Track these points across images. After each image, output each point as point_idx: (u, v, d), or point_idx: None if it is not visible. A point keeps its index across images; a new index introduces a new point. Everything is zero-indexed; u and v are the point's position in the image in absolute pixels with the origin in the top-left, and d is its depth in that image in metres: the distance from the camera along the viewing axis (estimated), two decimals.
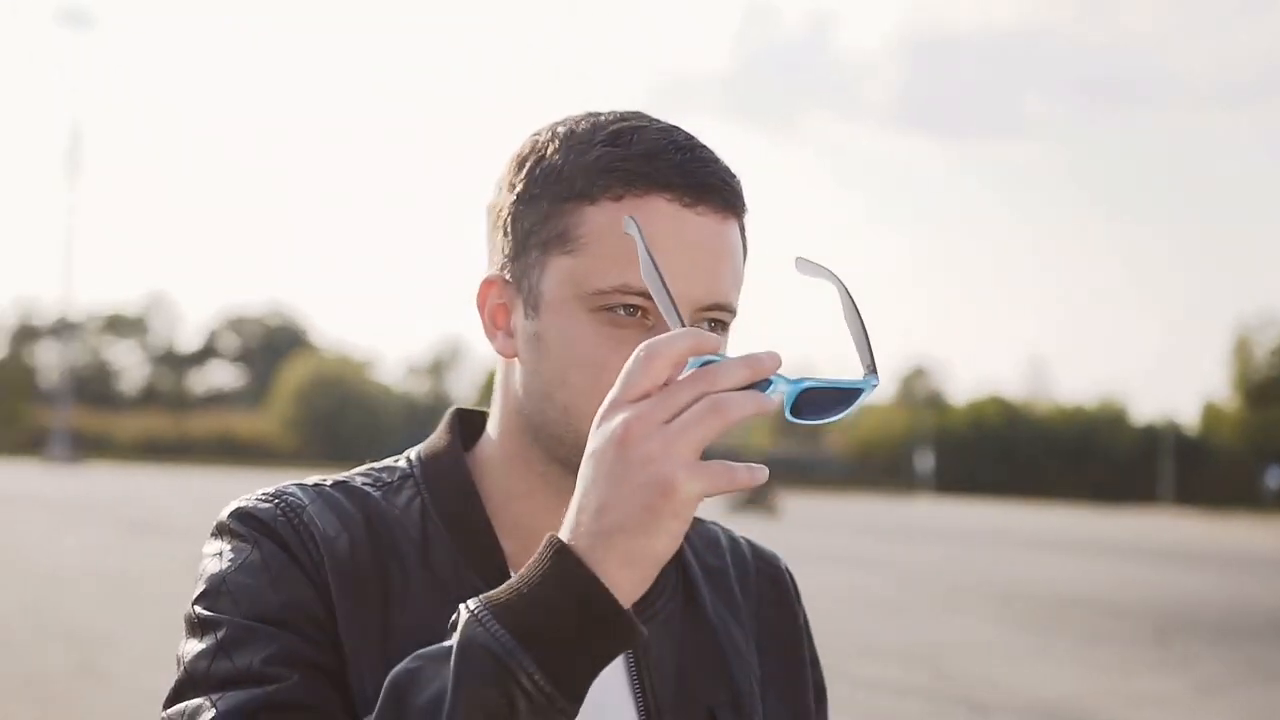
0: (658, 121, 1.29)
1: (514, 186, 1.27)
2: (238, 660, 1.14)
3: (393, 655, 1.13)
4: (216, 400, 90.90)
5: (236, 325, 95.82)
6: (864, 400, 1.13)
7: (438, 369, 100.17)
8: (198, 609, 1.19)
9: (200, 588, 1.20)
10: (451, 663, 1.02)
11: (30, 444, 66.14)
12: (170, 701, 1.15)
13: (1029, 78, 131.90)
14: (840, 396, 1.12)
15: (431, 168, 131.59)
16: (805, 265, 1.17)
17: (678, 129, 1.29)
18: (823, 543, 24.70)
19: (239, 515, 1.23)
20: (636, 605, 1.30)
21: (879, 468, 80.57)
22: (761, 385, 1.07)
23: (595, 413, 1.12)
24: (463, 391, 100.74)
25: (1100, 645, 12.35)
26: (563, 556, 1.02)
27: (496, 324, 1.29)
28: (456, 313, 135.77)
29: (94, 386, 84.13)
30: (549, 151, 1.26)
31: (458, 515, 1.28)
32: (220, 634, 1.16)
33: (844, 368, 1.11)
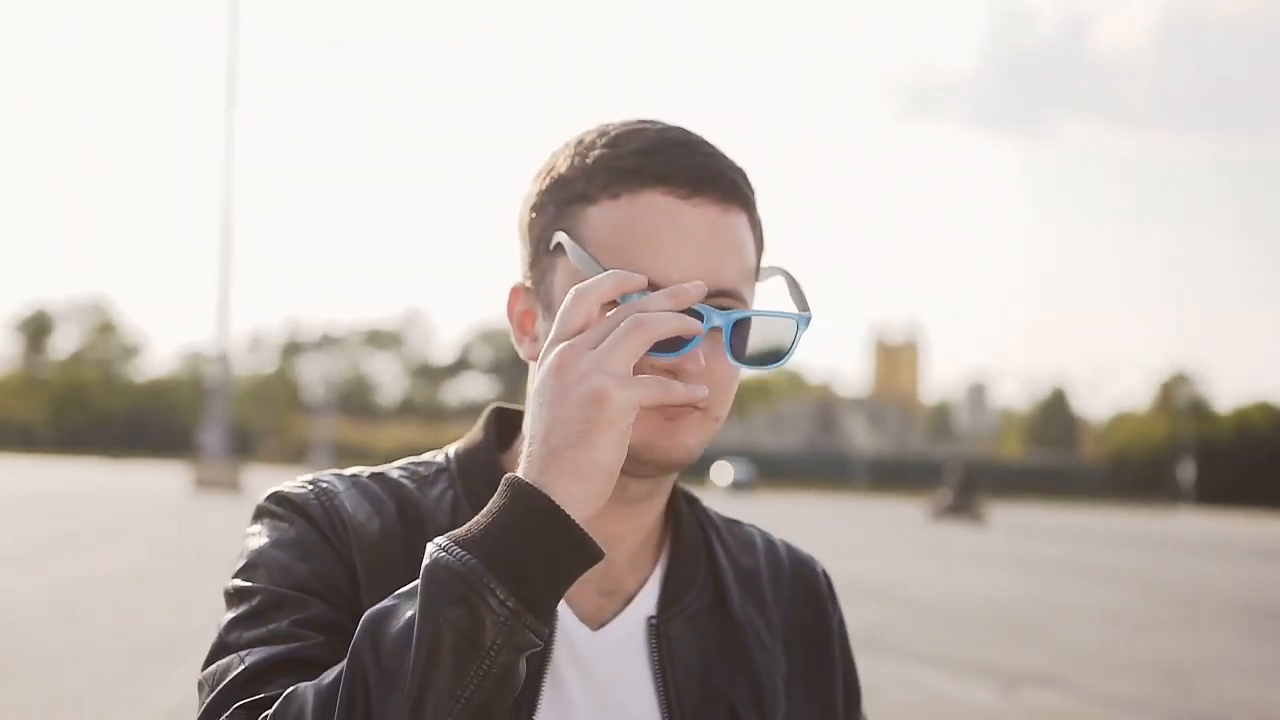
0: (661, 123, 1.32)
1: (531, 198, 1.33)
2: (268, 624, 1.20)
3: None
4: (470, 411, 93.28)
5: (489, 338, 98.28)
6: (801, 336, 1.26)
7: None
8: (235, 581, 1.25)
9: (239, 563, 1.26)
10: (419, 588, 1.07)
11: (295, 454, 69.05)
12: (206, 665, 1.20)
13: None
14: (776, 334, 1.24)
15: None
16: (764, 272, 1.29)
17: (678, 128, 1.32)
18: (1031, 551, 24.03)
19: (276, 498, 1.30)
20: (665, 602, 1.38)
21: (1136, 479, 77.90)
22: (698, 319, 1.19)
23: None
24: None
25: None
26: (516, 485, 1.08)
27: (524, 330, 1.34)
28: None
29: (354, 399, 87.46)
30: (559, 162, 1.31)
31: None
32: (254, 602, 1.22)
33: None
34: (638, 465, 1.26)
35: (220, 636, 1.21)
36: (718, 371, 1.26)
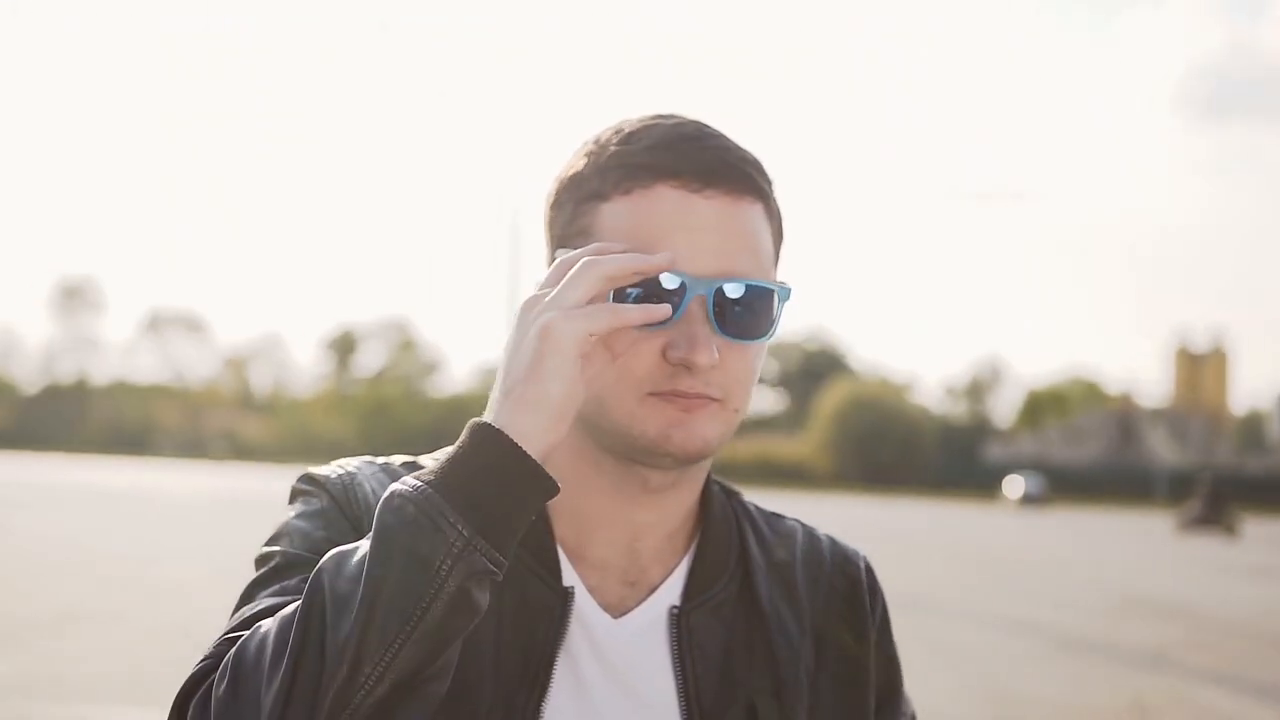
0: (676, 118, 1.34)
1: (550, 196, 1.36)
2: (282, 580, 1.25)
3: None
4: (757, 425, 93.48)
5: (777, 351, 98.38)
6: (783, 309, 1.29)
7: (976, 390, 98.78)
8: (262, 549, 1.31)
9: (269, 535, 1.33)
10: (375, 513, 1.12)
11: None
12: (229, 619, 1.25)
13: None
14: (756, 304, 1.26)
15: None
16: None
17: (692, 122, 1.34)
18: None
19: (304, 478, 1.37)
20: (689, 592, 1.38)
21: None
22: (679, 294, 1.23)
23: (625, 401, 1.27)
24: (1002, 413, 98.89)
25: None
26: (473, 423, 1.14)
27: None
28: (996, 332, 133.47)
29: None
30: (576, 160, 1.34)
31: None
32: (273, 563, 1.28)
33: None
34: (655, 457, 1.29)
35: (242, 594, 1.27)
36: (729, 359, 1.28)
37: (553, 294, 1.19)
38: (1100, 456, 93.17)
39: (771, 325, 1.30)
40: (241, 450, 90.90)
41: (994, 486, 71.10)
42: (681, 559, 1.40)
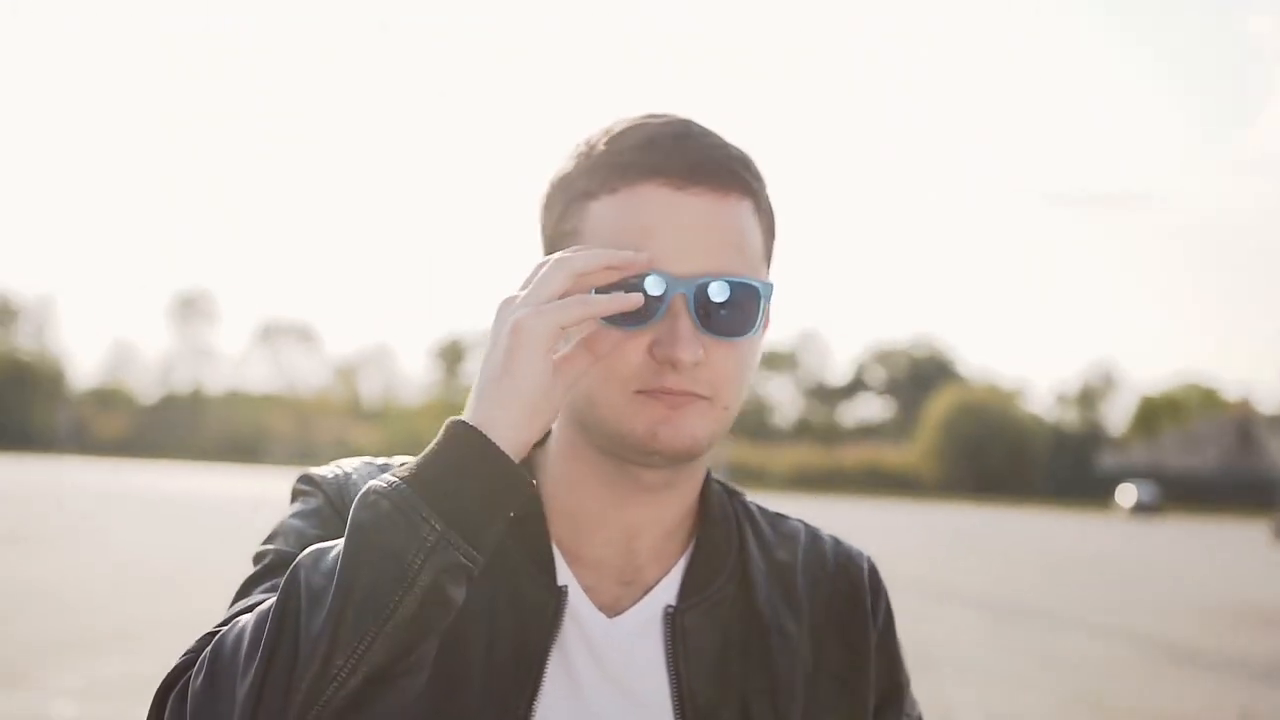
0: (664, 116, 1.33)
1: (542, 198, 1.36)
2: (274, 578, 1.27)
3: None
4: (865, 432, 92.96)
5: (884, 358, 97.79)
6: (766, 306, 1.29)
7: (1088, 397, 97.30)
8: (259, 547, 1.33)
9: (266, 534, 1.34)
10: (351, 509, 1.13)
11: None
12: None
13: None
14: (741, 302, 1.26)
15: None
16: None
17: (680, 120, 1.33)
18: None
19: (303, 478, 1.38)
20: (685, 592, 1.38)
21: None
22: (662, 291, 1.23)
23: (613, 400, 1.27)
24: (1115, 421, 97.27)
25: None
26: (448, 422, 1.15)
27: None
28: (1108, 337, 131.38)
29: (750, 420, 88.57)
30: (567, 161, 1.34)
31: None
32: (266, 561, 1.30)
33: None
34: (644, 455, 1.29)
35: (236, 593, 1.28)
36: (716, 356, 1.27)
37: (525, 294, 1.20)
38: (1217, 464, 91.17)
39: (756, 323, 1.29)
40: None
41: (1106, 496, 70.01)
42: (679, 559, 1.40)
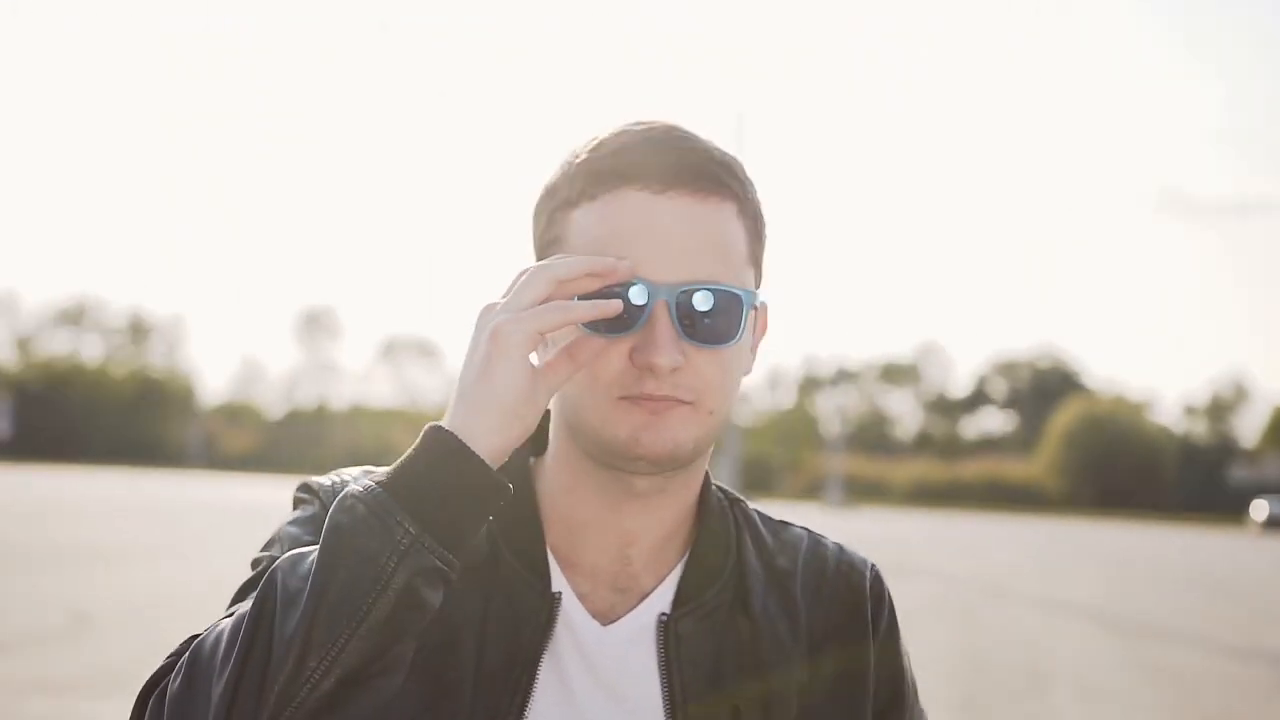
0: (649, 123, 1.34)
1: (533, 209, 1.37)
2: None
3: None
4: (987, 445, 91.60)
5: (1006, 370, 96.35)
6: (748, 315, 1.30)
7: (1218, 409, 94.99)
8: (256, 553, 1.35)
9: (264, 540, 1.37)
10: (328, 515, 1.15)
11: (811, 489, 70.12)
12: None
13: None
14: (722, 308, 1.27)
15: None
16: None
17: (663, 126, 1.33)
18: None
19: (302, 486, 1.41)
20: (679, 600, 1.38)
21: None
22: (642, 298, 1.24)
23: (597, 406, 1.29)
24: (1247, 432, 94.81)
25: None
26: (427, 427, 1.16)
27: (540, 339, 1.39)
28: (1239, 347, 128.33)
29: (870, 434, 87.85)
30: (554, 172, 1.35)
31: (508, 506, 1.34)
32: (261, 566, 1.31)
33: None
34: (628, 460, 1.29)
35: (231, 599, 1.29)
36: (699, 362, 1.28)
37: (505, 302, 1.21)
38: None
39: (739, 330, 1.29)
40: None
41: (1239, 510, 68.25)
42: (675, 566, 1.40)
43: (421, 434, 1.18)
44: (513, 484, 1.35)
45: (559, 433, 1.38)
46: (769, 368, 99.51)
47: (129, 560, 16.84)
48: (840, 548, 1.50)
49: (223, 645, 1.16)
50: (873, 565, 1.50)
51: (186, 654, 1.20)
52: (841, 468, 64.99)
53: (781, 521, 1.51)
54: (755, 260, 1.35)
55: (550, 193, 1.34)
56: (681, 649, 1.36)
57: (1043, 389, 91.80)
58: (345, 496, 1.16)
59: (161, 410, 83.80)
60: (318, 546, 1.16)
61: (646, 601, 1.38)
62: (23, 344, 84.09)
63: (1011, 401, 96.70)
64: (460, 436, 1.17)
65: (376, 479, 1.17)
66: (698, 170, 1.29)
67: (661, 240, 1.27)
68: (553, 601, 1.34)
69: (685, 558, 1.40)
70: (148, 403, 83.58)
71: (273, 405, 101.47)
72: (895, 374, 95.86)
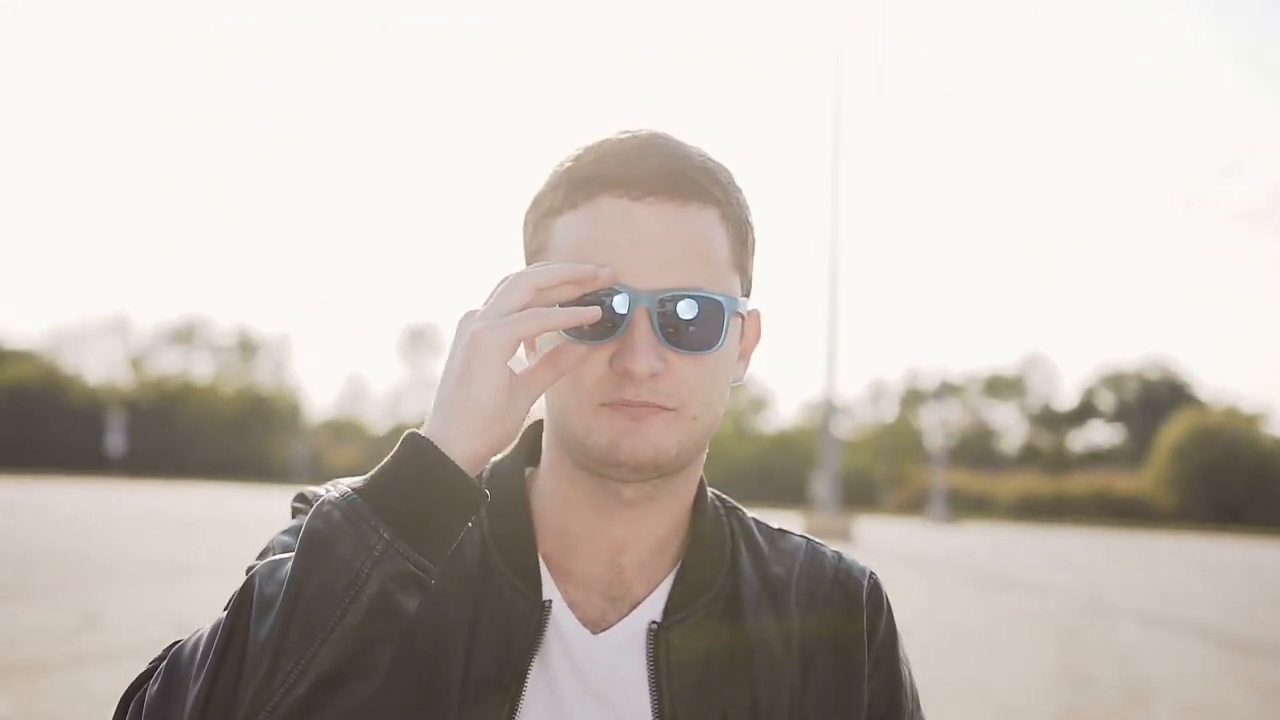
0: (633, 131, 1.34)
1: (522, 219, 1.38)
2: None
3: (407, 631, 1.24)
4: (1094, 459, 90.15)
5: (1113, 381, 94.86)
6: (730, 321, 1.30)
7: None
8: (250, 562, 1.34)
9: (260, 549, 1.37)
10: (305, 521, 1.16)
11: (914, 504, 69.44)
12: None
13: None
14: (702, 314, 1.27)
15: None
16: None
17: (647, 133, 1.34)
18: None
19: (298, 496, 1.42)
20: (670, 608, 1.38)
21: None
22: (623, 305, 1.26)
23: (580, 413, 1.30)
24: None
25: None
26: (406, 433, 1.17)
27: (530, 346, 1.38)
28: None
29: (974, 447, 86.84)
30: (542, 181, 1.36)
31: (502, 515, 1.37)
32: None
33: None
34: (610, 467, 1.30)
35: (224, 607, 1.29)
36: (680, 368, 1.28)
37: (484, 309, 1.22)
38: None
39: (721, 337, 1.29)
40: None
41: None
42: (667, 575, 1.39)
43: (400, 440, 1.18)
44: (508, 493, 1.39)
45: (551, 443, 1.38)
46: (871, 381, 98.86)
47: (233, 574, 17.08)
48: (839, 556, 1.49)
49: (199, 651, 1.17)
50: (872, 574, 1.49)
51: (166, 659, 1.20)
52: (945, 482, 64.28)
53: (780, 530, 1.50)
54: (740, 267, 1.35)
55: (536, 202, 1.35)
56: (671, 657, 1.35)
57: (1152, 401, 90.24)
58: (322, 503, 1.16)
59: (268, 427, 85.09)
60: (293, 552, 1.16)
61: (638, 610, 1.38)
62: (135, 363, 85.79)
63: (1119, 414, 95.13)
64: (436, 443, 1.16)
65: (353, 485, 1.17)
66: (677, 176, 1.29)
67: (641, 246, 1.27)
68: (542, 609, 1.34)
69: (678, 566, 1.40)
70: (255, 419, 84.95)
71: (378, 421, 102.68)
72: (999, 386, 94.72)
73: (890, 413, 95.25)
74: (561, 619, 1.36)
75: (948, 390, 78.20)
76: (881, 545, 33.19)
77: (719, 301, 1.28)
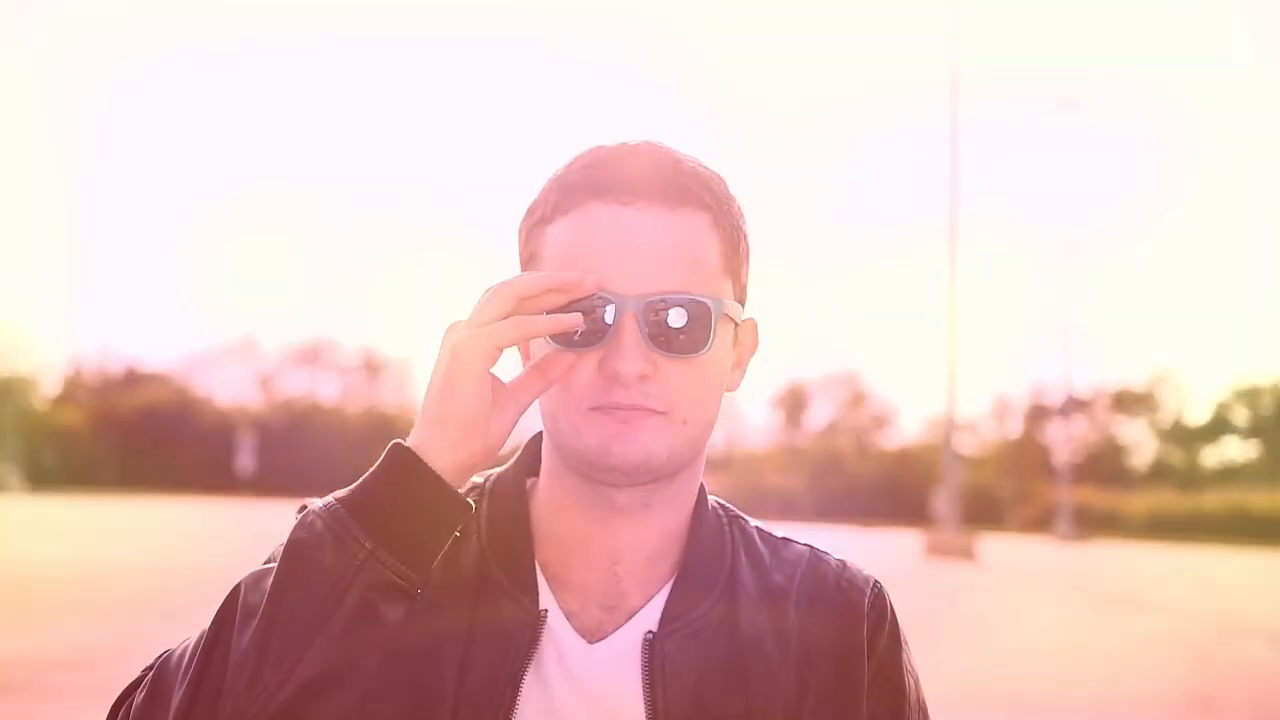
0: (626, 140, 1.35)
1: (518, 228, 1.38)
2: None
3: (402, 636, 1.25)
4: (1228, 475, 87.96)
5: (1246, 397, 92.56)
6: (717, 325, 1.30)
7: None
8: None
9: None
10: (290, 532, 1.17)
11: (1039, 521, 68.27)
12: None
13: None
14: (690, 318, 1.28)
15: None
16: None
17: (640, 141, 1.34)
18: None
19: (301, 508, 1.39)
20: (666, 617, 1.38)
21: None
22: (610, 310, 1.26)
23: (571, 418, 1.31)
24: None
25: None
26: (390, 444, 1.19)
27: (525, 354, 1.38)
28: None
29: (1102, 463, 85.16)
30: (537, 191, 1.37)
31: (500, 525, 1.37)
32: None
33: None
34: (601, 471, 1.30)
35: None
36: (670, 371, 1.28)
37: (467, 321, 1.22)
38: None
39: (708, 340, 1.28)
40: None
41: None
42: (665, 584, 1.38)
43: (385, 451, 1.18)
44: (507, 503, 1.39)
45: (547, 451, 1.39)
46: (995, 397, 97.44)
47: None
48: (843, 564, 1.47)
49: (185, 660, 1.19)
50: (875, 582, 1.47)
51: (155, 667, 1.22)
52: (1072, 499, 63.12)
53: (783, 538, 1.49)
54: (732, 273, 1.34)
55: (529, 211, 1.36)
56: (666, 667, 1.34)
57: None
58: (306, 514, 1.18)
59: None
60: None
61: (634, 619, 1.37)
62: (264, 383, 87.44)
63: (1255, 429, 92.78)
64: (419, 453, 1.17)
65: (337, 495, 1.19)
66: (666, 181, 1.29)
67: (628, 251, 1.27)
68: (538, 619, 1.34)
69: (675, 576, 1.39)
70: (380, 438, 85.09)
71: None
72: (1128, 401, 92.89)
73: (1015, 429, 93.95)
74: (557, 628, 1.36)
75: (1075, 406, 76.62)
76: (1006, 563, 32.70)
77: (706, 304, 1.28)
